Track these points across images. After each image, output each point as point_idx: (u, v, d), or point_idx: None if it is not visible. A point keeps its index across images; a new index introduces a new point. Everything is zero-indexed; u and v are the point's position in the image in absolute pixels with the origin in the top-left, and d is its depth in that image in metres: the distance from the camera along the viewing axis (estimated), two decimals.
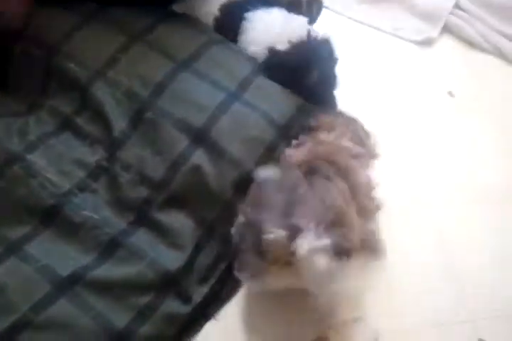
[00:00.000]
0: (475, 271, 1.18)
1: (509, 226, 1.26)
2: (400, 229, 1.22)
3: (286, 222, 0.91)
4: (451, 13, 1.64)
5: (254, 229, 0.94)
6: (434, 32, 1.60)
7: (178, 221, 1.08)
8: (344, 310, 1.02)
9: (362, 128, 1.19)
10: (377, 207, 1.08)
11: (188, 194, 1.09)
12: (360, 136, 1.16)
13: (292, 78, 1.23)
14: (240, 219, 1.00)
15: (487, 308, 1.14)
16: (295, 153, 1.09)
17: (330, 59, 1.26)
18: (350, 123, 1.18)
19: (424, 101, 1.47)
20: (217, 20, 1.34)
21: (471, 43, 1.60)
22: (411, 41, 1.60)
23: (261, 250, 0.93)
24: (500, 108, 1.46)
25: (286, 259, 0.92)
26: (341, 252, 0.92)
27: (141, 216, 1.08)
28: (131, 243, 1.04)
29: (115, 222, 1.07)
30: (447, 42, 1.61)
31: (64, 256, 1.02)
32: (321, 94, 1.27)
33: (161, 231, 1.07)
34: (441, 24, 1.61)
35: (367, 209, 1.05)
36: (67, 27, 1.23)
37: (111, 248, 1.04)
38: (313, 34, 1.25)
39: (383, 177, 1.13)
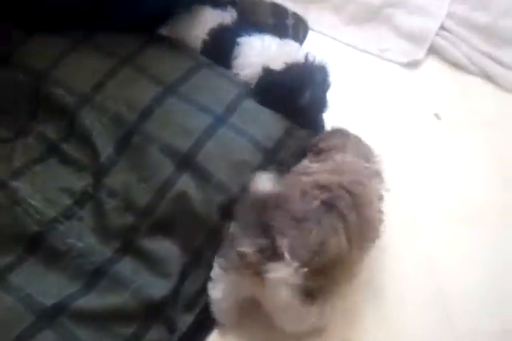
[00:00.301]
0: (464, 292, 1.18)
1: (499, 247, 1.25)
2: (389, 251, 1.22)
3: (257, 238, 0.93)
4: (437, 34, 1.65)
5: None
6: (420, 54, 1.61)
7: (164, 248, 1.07)
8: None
9: (368, 146, 1.19)
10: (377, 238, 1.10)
11: (174, 220, 1.08)
12: (368, 155, 1.17)
13: (285, 98, 1.23)
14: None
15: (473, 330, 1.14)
16: (316, 169, 1.08)
17: (323, 82, 1.27)
18: (358, 142, 1.19)
19: (411, 123, 1.47)
20: (206, 43, 1.35)
21: (456, 65, 1.60)
22: (397, 63, 1.61)
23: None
24: (487, 129, 1.46)
25: (258, 270, 0.93)
26: (308, 296, 0.95)
27: (127, 243, 1.07)
28: (116, 271, 1.03)
29: (100, 250, 1.06)
30: (433, 64, 1.61)
31: (48, 285, 1.01)
32: (311, 115, 1.27)
33: (146, 259, 1.06)
34: (427, 46, 1.62)
35: (369, 240, 1.07)
36: (56, 53, 1.24)
37: (96, 277, 1.02)
38: (310, 58, 1.27)
39: None
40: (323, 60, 1.27)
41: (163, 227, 1.08)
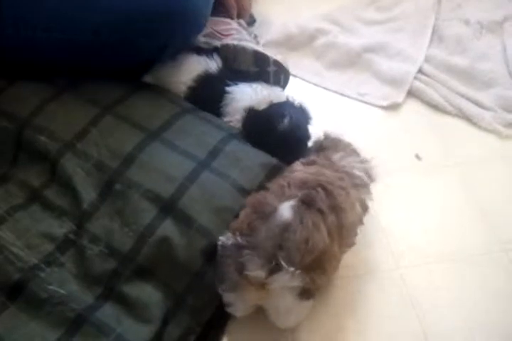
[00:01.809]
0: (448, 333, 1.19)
1: (483, 286, 1.26)
2: (371, 292, 1.24)
3: (268, 265, 0.97)
4: (415, 78, 1.69)
5: (239, 256, 0.99)
6: (399, 97, 1.65)
7: (146, 293, 1.06)
8: None
9: (358, 152, 1.25)
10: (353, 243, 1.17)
11: (156, 265, 1.08)
12: (360, 159, 1.22)
13: (265, 127, 1.27)
14: (229, 238, 1.02)
15: None
16: (302, 170, 1.12)
17: (302, 112, 1.33)
18: (349, 147, 1.24)
19: (393, 164, 1.49)
20: (192, 89, 1.38)
21: (435, 107, 1.64)
22: (378, 106, 1.64)
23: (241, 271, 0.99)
24: (467, 168, 1.49)
25: (262, 283, 0.99)
26: (306, 294, 1.03)
27: (109, 289, 1.06)
28: (97, 318, 1.02)
29: (82, 297, 1.05)
30: (412, 107, 1.65)
31: (29, 333, 0.99)
32: (293, 143, 1.30)
33: (127, 305, 1.05)
34: (407, 89, 1.67)
35: (347, 244, 1.13)
36: (38, 100, 1.25)
37: (77, 324, 1.01)
38: (290, 98, 1.35)
39: None
40: (303, 103, 1.34)
41: (145, 272, 1.08)
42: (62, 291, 1.04)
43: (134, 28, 1.24)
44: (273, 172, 1.23)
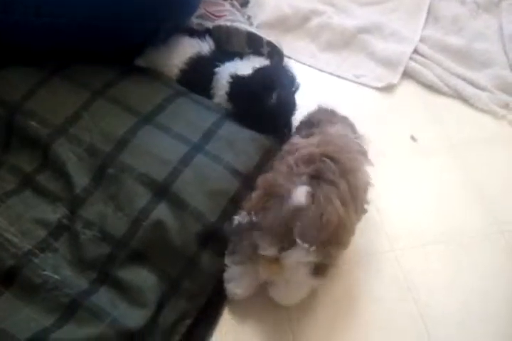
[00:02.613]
0: (444, 316, 1.19)
1: (478, 268, 1.26)
2: (367, 276, 1.24)
3: (281, 243, 0.98)
4: (410, 58, 1.68)
5: (252, 234, 1.01)
6: (394, 78, 1.64)
7: (141, 278, 1.06)
8: None
9: (353, 125, 1.25)
10: (365, 210, 1.16)
11: (151, 250, 1.07)
12: (354, 129, 1.23)
13: (253, 102, 1.25)
14: (244, 217, 1.03)
15: None
16: (303, 144, 1.11)
17: (290, 83, 1.30)
18: (345, 120, 1.24)
19: (388, 146, 1.48)
20: (184, 72, 1.37)
21: (431, 87, 1.63)
22: (373, 88, 1.63)
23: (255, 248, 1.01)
24: (463, 149, 1.48)
25: (276, 257, 1.00)
26: (320, 270, 1.03)
27: (103, 274, 1.06)
28: (92, 303, 1.01)
29: (76, 282, 1.04)
30: (408, 88, 1.64)
31: (23, 319, 0.99)
32: (281, 117, 1.29)
33: (122, 289, 1.04)
34: (402, 70, 1.65)
35: (360, 209, 1.12)
36: (29, 84, 1.24)
37: (71, 309, 1.01)
38: (275, 63, 1.34)
39: None
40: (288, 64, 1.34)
41: (139, 257, 1.07)
42: (56, 276, 1.03)
43: (127, 11, 1.22)
44: (268, 154, 1.23)
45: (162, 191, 1.11)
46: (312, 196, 1.00)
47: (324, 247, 0.99)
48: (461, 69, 1.66)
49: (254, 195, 1.06)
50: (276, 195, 1.01)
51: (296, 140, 1.16)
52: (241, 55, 1.40)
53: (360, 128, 1.47)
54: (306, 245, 0.96)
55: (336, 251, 1.04)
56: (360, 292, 1.21)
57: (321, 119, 1.22)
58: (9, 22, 1.21)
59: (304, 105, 1.32)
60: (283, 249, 0.98)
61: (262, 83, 1.26)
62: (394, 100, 1.61)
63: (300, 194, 0.99)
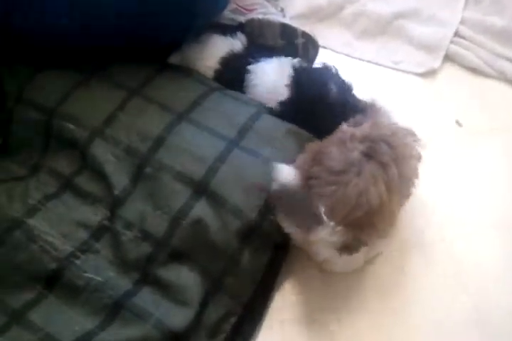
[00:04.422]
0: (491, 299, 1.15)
1: None
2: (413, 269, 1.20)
3: (307, 221, 0.99)
4: (451, 41, 1.62)
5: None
6: (435, 63, 1.58)
7: (183, 276, 1.04)
8: None
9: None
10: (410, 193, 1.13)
11: (191, 248, 1.06)
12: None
13: (314, 106, 1.22)
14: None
15: None
16: (353, 130, 1.07)
17: (328, 69, 1.27)
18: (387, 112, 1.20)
19: (433, 132, 1.43)
20: (219, 72, 1.35)
21: (474, 70, 1.57)
22: (413, 74, 1.58)
23: None
24: (509, 133, 1.42)
25: None
26: (347, 249, 1.01)
27: (145, 274, 1.05)
28: (135, 304, 1.01)
29: (118, 283, 1.04)
30: (450, 72, 1.58)
31: (67, 322, 0.99)
32: (346, 100, 1.24)
33: (165, 289, 1.03)
34: (443, 54, 1.60)
35: (405, 195, 1.11)
36: (65, 87, 1.24)
37: (115, 311, 1.00)
38: (296, 65, 1.28)
39: None
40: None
41: (181, 256, 1.06)
42: (98, 278, 1.03)
43: (157, 10, 1.21)
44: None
45: (200, 189, 1.09)
46: (358, 172, 0.97)
47: (353, 229, 0.97)
48: (505, 50, 1.60)
49: (301, 157, 1.06)
50: (321, 162, 1.00)
51: (345, 128, 1.11)
52: (275, 51, 1.37)
53: (403, 115, 1.46)
54: (332, 223, 0.95)
55: (366, 235, 1.01)
56: (408, 280, 1.18)
57: (365, 108, 1.18)
58: (44, 25, 1.21)
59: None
60: (312, 225, 0.97)
61: (309, 89, 1.24)
62: (436, 85, 1.56)
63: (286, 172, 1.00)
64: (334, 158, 1.00)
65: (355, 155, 0.99)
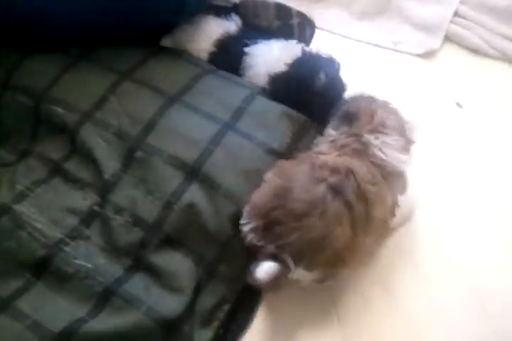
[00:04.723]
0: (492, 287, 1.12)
1: None
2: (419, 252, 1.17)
3: (278, 256, 0.93)
4: (451, 21, 1.58)
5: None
6: (435, 43, 1.55)
7: (176, 262, 1.02)
8: None
9: (398, 112, 1.13)
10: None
11: (184, 233, 1.03)
12: (401, 120, 1.11)
13: (300, 90, 1.19)
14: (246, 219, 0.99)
15: None
16: (331, 155, 1.02)
17: (331, 62, 1.23)
18: (388, 106, 1.13)
19: (433, 114, 1.41)
20: (213, 54, 1.31)
21: (475, 51, 1.54)
22: (413, 54, 1.54)
23: None
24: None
25: None
26: (324, 280, 0.99)
27: (137, 260, 1.03)
28: (126, 291, 0.98)
29: (109, 270, 1.01)
30: (451, 52, 1.55)
31: (57, 309, 0.97)
32: (333, 95, 1.21)
33: (158, 275, 1.01)
34: (443, 34, 1.56)
35: (381, 237, 1.07)
36: (54, 71, 1.21)
37: (105, 298, 0.98)
38: (306, 50, 1.24)
39: None
40: (323, 51, 1.24)
41: (173, 241, 1.03)
42: (88, 265, 1.01)
43: None
44: (302, 130, 1.17)
45: (193, 172, 1.07)
46: (321, 214, 0.93)
47: (324, 269, 0.95)
48: (507, 30, 1.56)
49: (261, 193, 1.00)
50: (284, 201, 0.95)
51: (323, 148, 1.06)
52: (270, 32, 1.33)
53: (402, 97, 1.42)
54: (301, 266, 0.92)
55: (338, 271, 0.98)
56: (406, 271, 1.15)
57: (357, 113, 1.09)
58: (30, 9, 1.17)
59: (343, 78, 1.24)
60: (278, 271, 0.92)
61: (306, 72, 1.20)
62: (436, 66, 1.53)
63: (263, 270, 0.92)
64: (298, 198, 0.95)
65: (321, 190, 0.95)
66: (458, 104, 1.42)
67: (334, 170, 0.97)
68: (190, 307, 0.99)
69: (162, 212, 1.04)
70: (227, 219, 1.04)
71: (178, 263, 1.02)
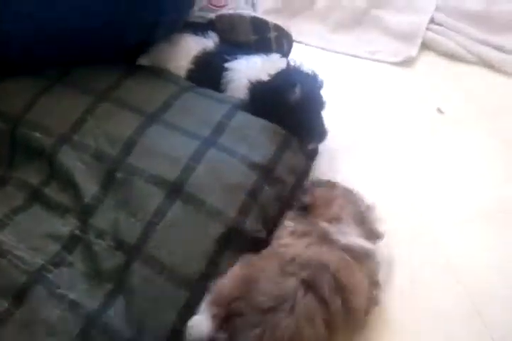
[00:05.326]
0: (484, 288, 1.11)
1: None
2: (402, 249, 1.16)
3: None
4: (427, 29, 1.59)
5: None
6: (412, 51, 1.56)
7: (158, 287, 0.97)
8: None
9: (362, 200, 1.08)
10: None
11: (168, 253, 1.00)
12: (360, 211, 1.05)
13: (275, 102, 1.18)
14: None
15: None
16: (298, 248, 0.96)
17: (312, 78, 1.22)
18: (348, 195, 1.07)
19: (414, 121, 1.41)
20: (192, 72, 1.31)
21: (452, 56, 1.55)
22: (391, 63, 1.55)
23: None
24: (492, 118, 1.40)
25: None
26: None
27: (119, 285, 0.99)
28: (106, 323, 0.95)
29: (90, 299, 0.97)
30: (428, 59, 1.57)
31: None
32: (307, 112, 1.20)
33: (139, 302, 0.97)
34: (419, 42, 1.57)
35: (355, 328, 0.97)
36: (29, 95, 1.19)
37: (86, 331, 0.94)
38: (292, 63, 1.24)
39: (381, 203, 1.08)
40: (307, 66, 1.24)
41: (155, 262, 0.99)
42: (70, 296, 0.97)
43: (123, 4, 1.16)
44: (284, 143, 1.15)
45: (175, 190, 1.04)
46: (291, 310, 0.85)
47: None
48: (483, 35, 1.58)
49: (224, 283, 0.92)
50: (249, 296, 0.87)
51: (285, 237, 1.00)
52: (248, 47, 1.33)
53: (383, 105, 1.42)
54: None
55: None
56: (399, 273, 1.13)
57: (320, 198, 1.05)
58: (1, 31, 1.16)
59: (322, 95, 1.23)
60: None
61: (284, 84, 1.19)
62: (415, 74, 1.54)
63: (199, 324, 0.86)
64: (264, 290, 0.87)
65: (292, 284, 0.88)
66: (439, 109, 1.43)
67: (305, 265, 0.91)
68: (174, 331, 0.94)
69: (144, 231, 1.01)
70: (211, 237, 1.01)
71: (161, 288, 0.97)
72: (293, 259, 0.92)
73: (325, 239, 0.96)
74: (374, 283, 1.01)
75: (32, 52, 1.20)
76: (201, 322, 0.88)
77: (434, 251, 1.17)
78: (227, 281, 0.92)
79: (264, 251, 0.99)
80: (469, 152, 1.34)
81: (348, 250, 0.96)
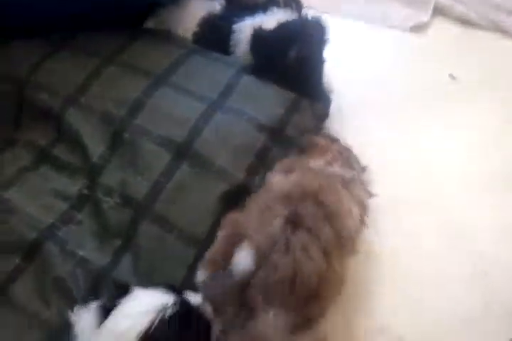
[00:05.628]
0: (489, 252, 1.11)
1: None
2: (406, 219, 1.15)
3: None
4: None
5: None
6: (424, 16, 1.53)
7: (169, 245, 0.99)
8: None
9: (355, 157, 1.07)
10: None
11: (175, 212, 1.01)
12: (351, 164, 1.04)
13: (275, 56, 1.16)
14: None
15: None
16: (280, 182, 0.95)
17: (317, 38, 1.18)
18: (344, 150, 1.06)
19: (427, 87, 1.39)
20: (197, 35, 1.29)
21: (465, 22, 1.52)
22: (403, 29, 1.52)
23: None
24: (505, 83, 1.38)
25: None
26: (302, 327, 0.86)
27: (127, 241, 1.00)
28: (115, 279, 0.96)
29: (99, 256, 0.99)
30: (441, 25, 1.53)
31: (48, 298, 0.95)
32: (301, 72, 1.18)
33: (146, 258, 0.99)
34: (431, 7, 1.54)
35: (348, 253, 0.96)
36: (36, 58, 1.19)
37: (95, 287, 0.96)
38: (304, 15, 1.21)
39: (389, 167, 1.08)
40: (319, 17, 1.19)
41: (163, 221, 1.00)
42: (80, 253, 0.99)
43: None
44: (293, 106, 1.14)
45: (183, 152, 1.04)
46: (286, 247, 0.84)
47: (296, 309, 0.84)
48: (499, 0, 1.53)
49: (216, 242, 0.91)
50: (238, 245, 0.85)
51: (272, 177, 0.99)
52: (264, 8, 1.30)
53: (395, 72, 1.40)
54: (272, 311, 0.82)
55: (316, 308, 0.87)
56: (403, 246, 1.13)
57: (318, 144, 1.05)
58: None
59: (332, 57, 1.21)
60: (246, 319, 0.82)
61: (286, 36, 1.16)
62: (427, 39, 1.51)
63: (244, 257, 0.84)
64: (252, 243, 0.85)
65: (277, 224, 0.86)
66: (451, 75, 1.40)
67: (286, 200, 0.89)
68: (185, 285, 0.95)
69: (152, 190, 1.02)
70: (218, 197, 1.01)
71: (169, 246, 0.99)
72: (275, 198, 0.90)
73: (309, 170, 0.96)
74: (362, 206, 0.98)
75: (31, 14, 1.18)
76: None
77: (441, 215, 1.16)
78: (217, 245, 0.92)
79: (247, 202, 0.96)
80: (482, 117, 1.32)
81: (333, 176, 0.95)
